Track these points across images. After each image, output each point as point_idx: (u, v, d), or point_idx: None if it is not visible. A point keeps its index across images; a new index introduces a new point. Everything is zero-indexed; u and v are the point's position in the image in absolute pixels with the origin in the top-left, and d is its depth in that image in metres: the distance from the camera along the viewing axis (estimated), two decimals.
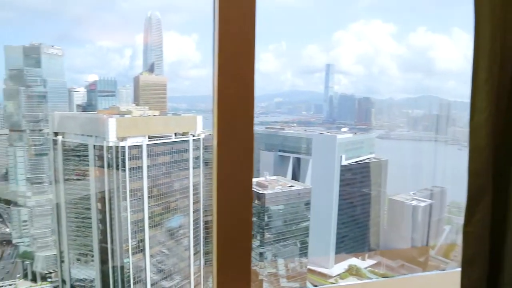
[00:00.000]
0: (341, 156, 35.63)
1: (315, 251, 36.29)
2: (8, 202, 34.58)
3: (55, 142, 31.60)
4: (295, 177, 37.83)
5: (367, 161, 37.42)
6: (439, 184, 35.75)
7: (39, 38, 33.19)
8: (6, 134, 35.83)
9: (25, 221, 34.88)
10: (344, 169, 36.06)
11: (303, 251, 35.99)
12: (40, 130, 34.89)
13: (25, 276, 35.35)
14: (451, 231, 35.69)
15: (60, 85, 35.26)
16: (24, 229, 35.45)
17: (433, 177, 36.71)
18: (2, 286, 32.37)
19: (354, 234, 37.98)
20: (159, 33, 38.27)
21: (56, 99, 35.42)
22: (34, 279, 35.03)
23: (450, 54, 40.49)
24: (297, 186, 35.89)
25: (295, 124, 41.83)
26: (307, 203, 35.12)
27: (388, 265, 35.90)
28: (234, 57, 2.01)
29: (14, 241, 35.39)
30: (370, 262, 37.05)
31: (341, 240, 37.00)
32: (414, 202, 34.85)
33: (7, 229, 34.89)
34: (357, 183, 37.51)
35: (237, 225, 2.05)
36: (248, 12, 2.00)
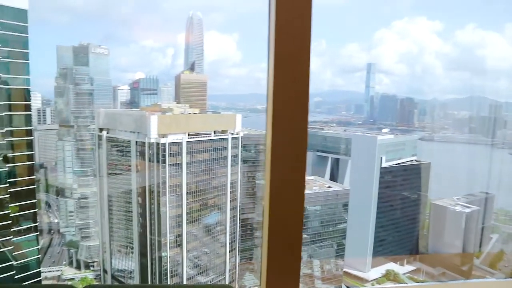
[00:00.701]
0: (381, 158, 34.64)
1: (352, 254, 35.56)
2: (56, 193, 36.62)
3: (100, 137, 32.96)
4: (333, 177, 37.23)
5: (408, 163, 36.16)
6: (486, 190, 33.90)
7: (87, 39, 34.81)
8: (56, 129, 37.90)
9: (71, 211, 36.71)
10: (384, 171, 35.03)
11: (340, 253, 35.37)
12: (87, 125, 36.56)
13: (70, 264, 37.24)
14: (498, 240, 33.79)
15: (106, 83, 36.76)
16: (70, 220, 37.32)
17: (479, 182, 34.82)
18: (50, 271, 34.33)
19: (392, 238, 36.84)
20: (200, 32, 38.97)
21: (102, 96, 36.93)
22: (78, 267, 36.83)
23: (502, 52, 38.27)
24: (335, 187, 35.30)
25: (334, 124, 41.07)
26: (345, 205, 34.44)
27: (428, 272, 34.49)
28: (290, 57, 1.95)
29: (61, 230, 37.46)
30: (409, 268, 35.80)
31: (379, 243, 36.00)
32: (458, 208, 33.22)
33: (55, 220, 36.97)
34: (398, 186, 36.31)
35: (288, 224, 1.99)
36: (305, 12, 1.92)
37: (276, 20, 1.90)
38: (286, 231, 1.96)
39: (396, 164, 35.93)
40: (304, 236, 35.22)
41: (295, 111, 1.94)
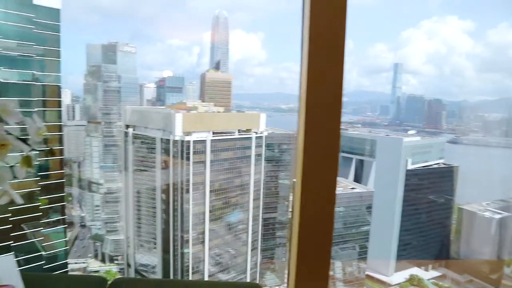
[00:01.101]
0: (407, 160, 33.89)
1: (375, 257, 34.99)
2: (83, 188, 37.63)
3: (126, 134, 33.69)
4: (357, 179, 36.70)
5: (435, 166, 35.22)
6: None
7: (116, 37, 35.67)
8: (84, 125, 38.99)
9: (97, 206, 37.67)
10: (410, 174, 34.26)
11: (362, 256, 34.86)
12: (114, 122, 37.44)
13: (95, 256, 38.23)
14: None
15: (133, 81, 37.54)
16: (96, 214, 38.30)
17: (510, 187, 33.57)
18: (77, 263, 35.35)
19: (417, 242, 36.01)
20: (225, 31, 39.21)
21: (129, 93, 37.73)
22: (103, 260, 37.76)
23: None
24: (359, 188, 34.78)
25: (359, 125, 40.44)
26: (369, 207, 33.91)
27: (454, 278, 33.52)
28: (324, 56, 1.90)
29: (87, 224, 38.51)
30: (434, 273, 34.90)
31: (403, 247, 35.27)
32: (487, 214, 32.10)
33: (82, 213, 38.02)
34: (424, 189, 35.45)
35: (319, 226, 1.94)
36: (339, 10, 1.86)
37: (311, 17, 1.86)
38: (316, 233, 1.93)
39: (422, 167, 35.10)
40: None
41: (328, 111, 1.90)
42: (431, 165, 35.48)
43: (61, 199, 28.89)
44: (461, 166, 35.42)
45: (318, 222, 1.92)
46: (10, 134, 0.61)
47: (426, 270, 35.48)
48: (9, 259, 1.00)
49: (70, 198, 36.73)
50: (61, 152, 28.92)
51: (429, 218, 35.81)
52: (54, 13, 27.36)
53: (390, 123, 39.67)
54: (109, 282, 1.33)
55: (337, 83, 1.90)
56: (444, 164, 35.82)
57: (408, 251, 35.72)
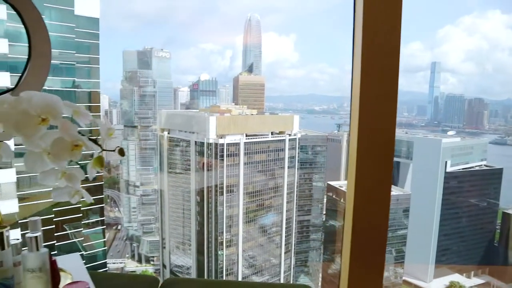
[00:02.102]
0: (446, 162, 32.66)
1: (412, 262, 33.92)
2: (120, 190, 38.84)
3: (161, 137, 34.49)
4: (393, 181, 35.63)
5: (477, 168, 33.74)
6: None
7: (150, 43, 36.66)
8: (121, 129, 40.27)
9: (134, 207, 38.75)
10: (449, 176, 32.97)
11: (399, 261, 33.86)
12: (149, 126, 38.47)
13: (132, 257, 39.34)
14: None
15: (167, 85, 38.45)
16: (133, 215, 39.40)
17: None
18: (114, 263, 36.50)
19: (458, 247, 34.59)
20: (258, 34, 39.39)
21: (163, 98, 38.65)
22: (139, 260, 38.75)
23: None
24: (395, 191, 33.83)
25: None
26: (406, 210, 32.91)
27: (499, 286, 31.92)
28: (379, 56, 1.80)
29: (124, 225, 39.68)
30: (476, 281, 33.36)
31: (442, 252, 33.99)
32: None
33: (119, 215, 39.24)
34: (464, 192, 34.01)
35: (372, 231, 1.86)
36: (395, 6, 1.76)
37: (364, 15, 1.78)
38: (370, 237, 1.85)
39: (463, 168, 33.72)
40: None
41: (383, 113, 1.82)
42: (472, 167, 34.03)
43: (100, 201, 29.87)
44: (506, 168, 33.75)
45: (372, 227, 1.87)
46: (83, 135, 0.61)
47: (468, 277, 33.97)
48: (77, 257, 1.01)
49: (108, 200, 38.02)
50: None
51: (471, 222, 34.34)
52: (93, 22, 28.54)
53: (427, 124, 38.38)
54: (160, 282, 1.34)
55: (393, 82, 1.84)
56: (487, 166, 34.27)
57: (448, 257, 34.40)
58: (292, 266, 33.82)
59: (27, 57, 1.39)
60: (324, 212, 35.68)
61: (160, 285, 1.31)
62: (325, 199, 35.78)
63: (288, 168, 31.79)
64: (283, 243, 32.81)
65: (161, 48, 36.50)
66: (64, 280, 0.86)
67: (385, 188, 1.92)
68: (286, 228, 32.87)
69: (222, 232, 31.15)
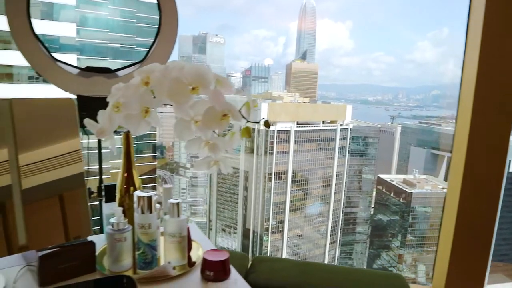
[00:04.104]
0: (509, 161, 30.57)
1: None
2: (172, 171, 40.32)
3: None
4: (448, 178, 33.98)
5: None
6: None
7: (206, 29, 37.27)
8: (172, 112, 41.18)
9: (183, 189, 40.10)
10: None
11: None
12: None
13: None
14: None
15: (221, 71, 38.93)
16: (182, 196, 40.78)
17: None
18: None
19: None
20: (313, 20, 38.51)
21: None
22: None
23: None
24: None
25: (454, 121, 36.79)
26: None
27: None
28: (498, 43, 1.62)
29: None
30: None
31: (499, 258, 32.17)
32: None
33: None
34: None
35: (477, 229, 1.72)
36: None
37: (485, 15, 1.63)
38: (474, 236, 1.73)
39: None
40: (410, 238, 33.16)
41: (499, 108, 1.67)
42: None
43: (153, 180, 31.17)
44: None
45: (477, 225, 1.77)
46: (231, 105, 0.62)
47: None
48: (195, 227, 1.02)
49: (159, 180, 39.62)
50: (154, 136, 31.17)
51: None
52: (153, 8, 29.34)
53: None
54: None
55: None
56: None
57: (506, 262, 32.54)
58: (336, 257, 33.56)
59: (156, 29, 1.48)
60: (373, 206, 34.90)
61: (250, 262, 1.35)
62: (374, 192, 34.96)
63: (338, 158, 31.31)
64: (329, 233, 32.57)
65: (215, 33, 36.98)
66: (197, 249, 0.91)
67: (495, 189, 1.83)
68: (332, 219, 32.57)
69: (268, 218, 31.44)
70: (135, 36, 28.92)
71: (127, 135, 0.83)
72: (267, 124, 0.75)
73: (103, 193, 0.95)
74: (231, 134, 0.78)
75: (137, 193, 0.79)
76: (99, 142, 1.53)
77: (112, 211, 0.88)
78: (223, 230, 35.47)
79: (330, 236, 32.99)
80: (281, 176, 30.88)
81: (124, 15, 28.72)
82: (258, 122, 0.72)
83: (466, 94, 1.73)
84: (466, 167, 1.71)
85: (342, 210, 32.61)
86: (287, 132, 30.22)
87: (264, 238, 31.84)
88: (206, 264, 0.76)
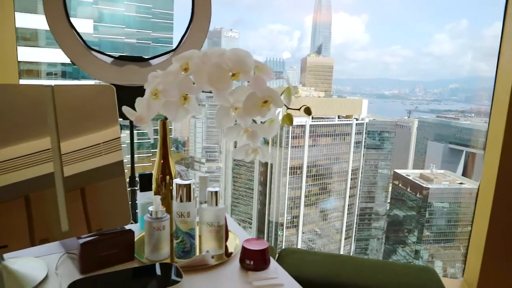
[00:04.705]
0: None
1: None
2: (187, 165, 40.68)
3: None
4: (466, 173, 33.46)
5: None
6: None
7: (221, 23, 37.27)
8: None
9: (197, 183, 40.28)
10: None
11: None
12: (217, 105, 39.08)
13: None
14: None
15: None
16: (197, 190, 40.98)
17: None
18: None
19: None
20: (328, 14, 38.05)
21: None
22: None
23: None
24: (468, 184, 31.75)
25: (472, 115, 36.16)
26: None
27: None
28: None
29: None
30: None
31: None
32: None
33: None
34: None
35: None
36: None
37: None
38: (509, 232, 1.68)
39: None
40: (426, 233, 32.73)
41: None
42: None
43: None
44: None
45: (511, 224, 1.72)
46: (274, 90, 0.62)
47: None
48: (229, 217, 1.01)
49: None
50: (170, 131, 31.51)
51: None
52: (168, 3, 29.49)
53: None
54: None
55: None
56: None
57: None
58: (351, 252, 33.37)
59: (189, 18, 1.47)
60: (388, 201, 34.55)
61: (277, 253, 1.33)
62: (390, 187, 34.59)
63: (353, 153, 31.03)
64: (344, 228, 32.40)
65: (230, 28, 36.92)
66: (233, 239, 0.89)
67: None
68: (347, 214, 32.37)
69: (283, 213, 31.44)
70: (150, 31, 29.13)
71: (163, 123, 0.83)
72: (308, 111, 0.72)
73: (138, 182, 0.95)
74: (270, 121, 0.77)
75: (177, 181, 0.79)
76: (131, 133, 1.54)
77: (148, 200, 0.89)
78: (238, 224, 35.54)
79: (346, 231, 32.81)
80: (296, 171, 30.81)
81: (140, 10, 28.92)
82: (299, 109, 0.70)
83: (502, 88, 1.67)
84: (501, 163, 1.66)
85: (358, 205, 32.37)
86: (302, 126, 30.07)
87: (279, 233, 31.91)
88: (246, 253, 0.76)
